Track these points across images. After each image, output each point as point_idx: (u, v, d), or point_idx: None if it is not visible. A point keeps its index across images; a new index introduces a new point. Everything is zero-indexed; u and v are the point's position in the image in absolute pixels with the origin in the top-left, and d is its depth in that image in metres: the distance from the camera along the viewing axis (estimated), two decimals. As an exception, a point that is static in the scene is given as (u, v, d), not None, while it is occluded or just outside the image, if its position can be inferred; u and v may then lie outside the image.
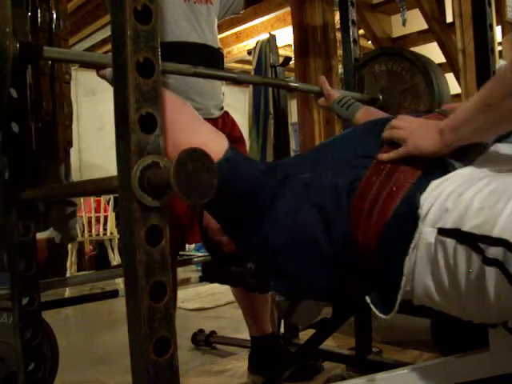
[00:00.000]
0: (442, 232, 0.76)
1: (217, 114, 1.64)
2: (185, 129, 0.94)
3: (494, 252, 0.69)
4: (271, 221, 0.96)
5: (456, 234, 0.74)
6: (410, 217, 0.82)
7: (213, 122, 1.58)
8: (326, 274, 0.94)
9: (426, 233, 0.78)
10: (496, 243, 0.69)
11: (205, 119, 1.52)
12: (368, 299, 0.90)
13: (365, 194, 0.89)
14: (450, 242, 0.75)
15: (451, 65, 3.13)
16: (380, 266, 0.88)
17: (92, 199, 4.60)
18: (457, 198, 0.77)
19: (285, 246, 0.95)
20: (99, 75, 1.18)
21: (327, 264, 0.93)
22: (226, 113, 1.73)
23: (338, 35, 2.05)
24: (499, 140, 0.91)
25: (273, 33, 2.14)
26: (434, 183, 0.83)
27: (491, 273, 0.70)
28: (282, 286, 0.97)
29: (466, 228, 0.73)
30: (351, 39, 1.84)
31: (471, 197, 0.75)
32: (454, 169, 0.86)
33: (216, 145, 0.94)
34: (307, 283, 0.96)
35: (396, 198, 0.85)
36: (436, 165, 0.87)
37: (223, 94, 1.73)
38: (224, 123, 1.68)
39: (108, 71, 1.13)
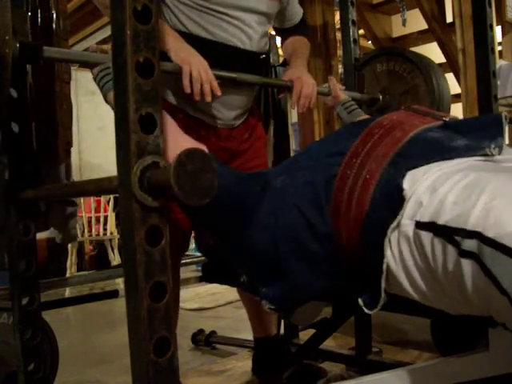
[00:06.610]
0: (419, 225, 0.77)
1: (238, 123, 1.55)
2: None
3: (469, 244, 0.70)
4: (257, 224, 0.97)
5: (432, 227, 0.75)
6: (388, 201, 0.82)
7: (232, 130, 1.53)
8: (313, 273, 0.94)
9: (405, 225, 0.79)
10: (470, 235, 0.70)
11: (224, 129, 1.51)
12: (360, 301, 0.89)
13: (341, 189, 0.90)
14: (427, 235, 0.76)
15: (451, 65, 3.13)
16: (365, 258, 0.88)
17: (92, 199, 4.59)
18: (432, 192, 0.78)
19: (271, 246, 0.95)
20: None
21: (313, 262, 0.93)
22: (251, 116, 1.61)
23: (338, 35, 2.05)
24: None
25: (272, 33, 2.14)
26: (411, 174, 0.83)
27: (467, 265, 0.71)
28: (273, 292, 0.97)
29: (441, 221, 0.74)
30: (351, 39, 1.85)
31: (446, 191, 0.76)
32: (429, 160, 0.85)
33: None
34: (296, 284, 0.96)
35: (371, 185, 0.86)
36: (408, 152, 0.88)
37: (255, 99, 1.62)
38: (245, 128, 1.58)
39: (95, 70, 1.13)
